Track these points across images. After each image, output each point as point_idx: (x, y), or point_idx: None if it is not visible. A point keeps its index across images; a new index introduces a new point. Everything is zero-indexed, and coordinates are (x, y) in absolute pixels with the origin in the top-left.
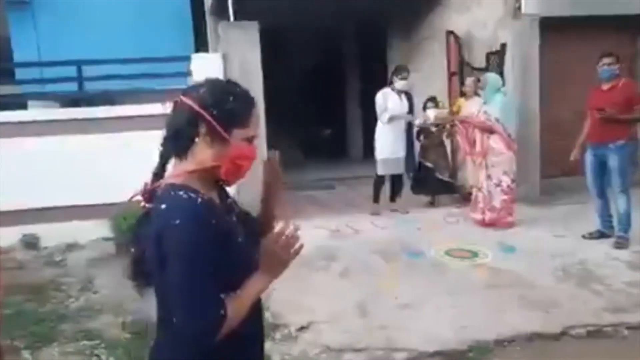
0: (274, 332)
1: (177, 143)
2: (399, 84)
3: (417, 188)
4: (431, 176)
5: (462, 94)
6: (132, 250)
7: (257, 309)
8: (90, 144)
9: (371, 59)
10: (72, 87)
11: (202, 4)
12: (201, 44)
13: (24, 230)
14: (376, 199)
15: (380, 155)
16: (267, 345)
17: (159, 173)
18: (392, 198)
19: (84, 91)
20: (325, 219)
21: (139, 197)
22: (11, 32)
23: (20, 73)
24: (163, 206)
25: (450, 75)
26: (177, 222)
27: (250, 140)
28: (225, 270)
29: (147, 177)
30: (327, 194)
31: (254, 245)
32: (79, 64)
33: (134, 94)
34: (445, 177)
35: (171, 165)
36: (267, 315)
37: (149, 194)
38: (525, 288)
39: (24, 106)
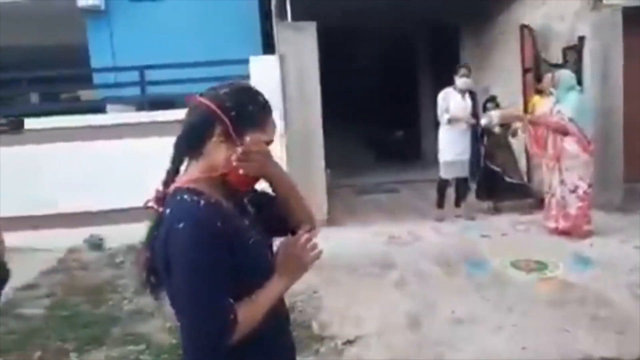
0: (319, 345)
1: (190, 143)
2: (459, 82)
3: (481, 193)
4: (499, 180)
5: (538, 92)
6: (146, 255)
7: (280, 312)
8: (157, 146)
9: (444, 60)
10: (150, 90)
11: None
12: (269, 47)
13: (91, 232)
14: (440, 204)
15: (442, 158)
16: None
17: (170, 176)
18: (457, 203)
19: (157, 94)
20: (385, 224)
21: (152, 203)
22: (88, 40)
23: (97, 78)
24: (168, 211)
25: (525, 71)
26: (180, 225)
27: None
28: (237, 273)
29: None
30: (390, 198)
31: (272, 233)
32: (141, 69)
33: None
34: (515, 179)
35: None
36: (315, 325)
37: (162, 197)
38: (599, 306)
39: (103, 109)
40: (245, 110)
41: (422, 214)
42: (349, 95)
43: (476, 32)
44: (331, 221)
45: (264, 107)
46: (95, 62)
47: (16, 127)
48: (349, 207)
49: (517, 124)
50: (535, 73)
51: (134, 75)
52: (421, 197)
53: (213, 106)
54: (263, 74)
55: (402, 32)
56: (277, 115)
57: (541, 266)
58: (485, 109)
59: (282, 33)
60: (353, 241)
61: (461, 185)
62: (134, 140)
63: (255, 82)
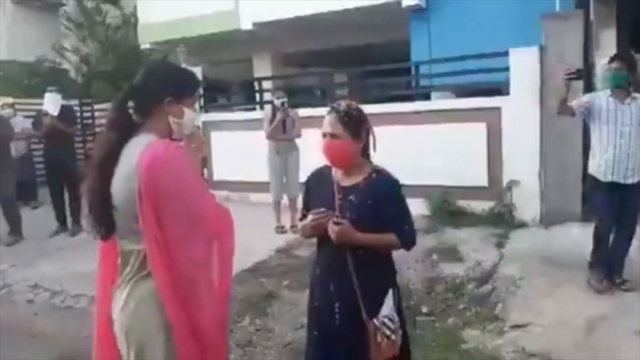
0: (489, 324)
1: None
2: None
3: None
4: None
5: None
6: None
7: (328, 263)
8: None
9: None
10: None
11: None
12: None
13: None
14: None
15: None
16: (475, 333)
17: None
18: None
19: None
20: None
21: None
22: (410, 35)
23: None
24: None
25: None
26: None
27: None
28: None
29: None
30: None
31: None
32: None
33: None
34: None
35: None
36: (499, 306)
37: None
38: None
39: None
40: None
41: None
42: None
43: None
44: (589, 218)
45: None
46: (415, 56)
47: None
48: None
49: None
50: None
51: (449, 67)
52: None
53: None
54: (522, 66)
55: None
56: (533, 109)
57: None
58: None
59: (544, 23)
60: None
61: None
62: (450, 124)
63: (514, 74)
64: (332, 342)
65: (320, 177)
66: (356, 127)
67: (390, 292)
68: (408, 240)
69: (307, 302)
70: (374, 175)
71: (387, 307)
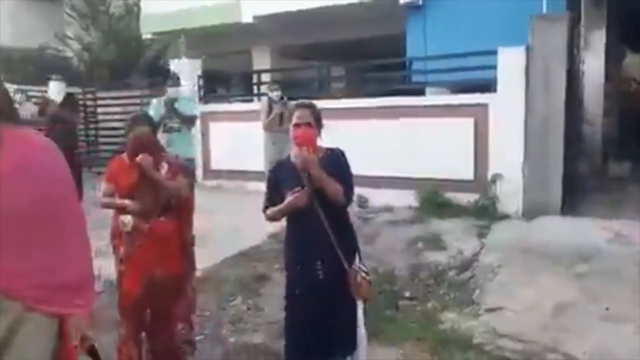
0: (466, 308)
1: None
2: None
3: None
4: None
5: None
6: None
7: (308, 239)
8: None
9: None
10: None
11: None
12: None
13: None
14: None
15: None
16: (451, 315)
17: None
18: None
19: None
20: (633, 221)
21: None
22: (407, 31)
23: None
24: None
25: None
26: None
27: None
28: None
29: None
30: None
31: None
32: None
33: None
34: None
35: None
36: (477, 292)
37: None
38: None
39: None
40: None
41: None
42: None
43: None
44: (569, 211)
45: None
46: (410, 52)
47: None
48: (615, 200)
49: None
50: None
51: (443, 63)
52: None
53: None
54: (509, 65)
55: None
56: (518, 106)
57: None
58: None
59: (532, 24)
60: (575, 233)
61: None
62: (440, 119)
63: (501, 72)
64: (316, 297)
65: (281, 168)
66: (319, 119)
67: (357, 255)
68: (350, 199)
69: (286, 275)
70: (329, 152)
71: (357, 260)
